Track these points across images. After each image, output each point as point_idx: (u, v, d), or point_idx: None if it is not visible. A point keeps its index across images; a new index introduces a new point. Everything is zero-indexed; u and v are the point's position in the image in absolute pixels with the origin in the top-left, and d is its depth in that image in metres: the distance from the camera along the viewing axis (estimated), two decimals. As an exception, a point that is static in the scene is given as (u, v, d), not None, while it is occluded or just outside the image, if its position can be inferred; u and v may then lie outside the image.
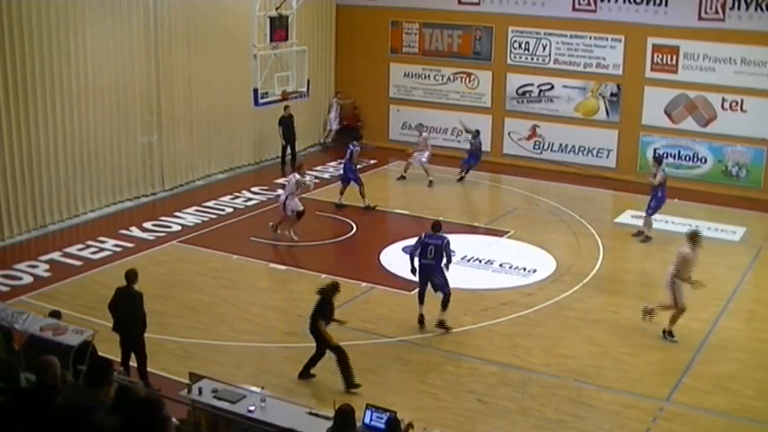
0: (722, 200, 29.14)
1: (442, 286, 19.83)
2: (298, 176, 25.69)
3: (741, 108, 31.21)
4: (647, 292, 22.38)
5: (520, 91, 34.20)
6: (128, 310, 16.68)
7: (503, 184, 32.53)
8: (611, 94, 32.91)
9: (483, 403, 16.74)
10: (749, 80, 30.88)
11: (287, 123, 32.89)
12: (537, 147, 33.65)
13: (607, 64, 32.76)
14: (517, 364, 18.49)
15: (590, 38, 32.78)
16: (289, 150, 33.37)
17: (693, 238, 19.85)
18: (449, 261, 19.93)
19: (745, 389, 17.89)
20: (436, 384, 17.42)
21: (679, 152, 32.10)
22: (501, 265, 23.90)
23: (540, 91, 33.82)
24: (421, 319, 20.06)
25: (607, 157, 33.30)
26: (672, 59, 31.82)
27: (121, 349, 16.78)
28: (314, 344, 17.44)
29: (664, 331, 19.75)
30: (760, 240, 26.44)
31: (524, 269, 23.76)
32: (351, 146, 28.51)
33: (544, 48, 33.51)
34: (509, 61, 34.18)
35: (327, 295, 17.31)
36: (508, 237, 26.12)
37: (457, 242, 23.69)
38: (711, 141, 31.81)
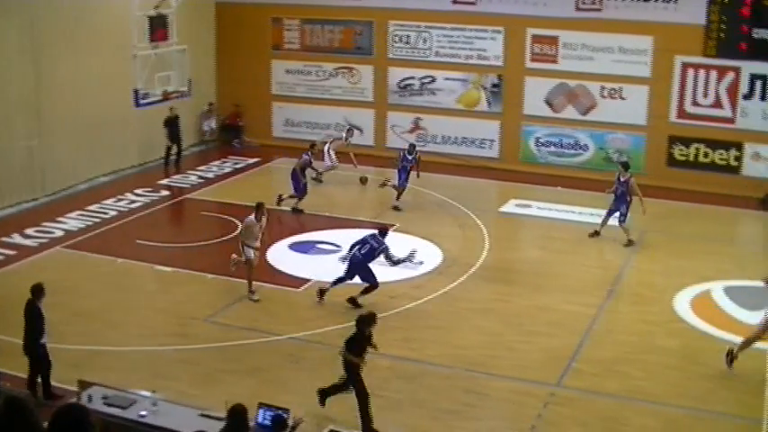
0: (604, 186, 29.51)
1: (368, 278, 20.77)
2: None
3: (620, 96, 31.79)
4: (534, 280, 22.66)
5: (402, 84, 34.31)
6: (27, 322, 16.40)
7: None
8: (493, 86, 33.21)
9: (378, 396, 16.76)
10: (627, 68, 31.52)
11: (172, 124, 32.51)
12: (420, 139, 33.75)
13: (488, 55, 33.04)
14: (410, 357, 18.55)
15: (470, 30, 33.01)
16: (174, 150, 32.98)
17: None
18: (390, 262, 20.99)
19: (633, 370, 18.24)
20: (329, 380, 17.34)
21: (561, 141, 32.54)
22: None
23: (422, 84, 33.96)
24: (321, 293, 20.85)
25: (490, 147, 33.58)
26: (551, 50, 32.28)
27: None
28: (208, 345, 17.25)
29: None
30: (642, 224, 26.91)
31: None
32: (305, 154, 28.25)
33: (425, 41, 33.66)
34: (390, 55, 34.28)
35: (364, 326, 15.92)
36: (394, 230, 26.11)
37: (344, 238, 23.79)
38: (592, 129, 32.35)
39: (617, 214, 25.67)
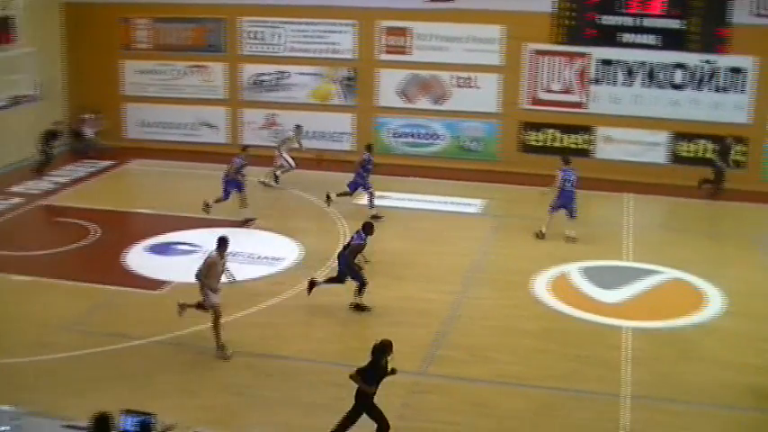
0: (461, 174, 29.85)
1: (350, 275, 20.46)
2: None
3: (473, 85, 32.14)
4: (395, 270, 22.76)
5: (255, 81, 34.12)
6: None
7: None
8: (347, 79, 33.25)
9: (242, 395, 16.65)
10: (479, 57, 31.94)
11: (53, 137, 31.59)
12: (275, 135, 33.61)
13: (340, 49, 33.12)
14: (276, 353, 18.46)
15: (322, 24, 33.01)
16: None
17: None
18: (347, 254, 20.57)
19: (498, 354, 18.49)
20: (195, 382, 17.18)
21: (416, 131, 32.76)
22: (248, 257, 23.71)
23: (276, 79, 33.82)
24: (311, 285, 20.78)
25: (345, 140, 33.64)
26: (404, 41, 32.46)
27: None
28: (71, 353, 16.84)
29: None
30: (498, 210, 27.26)
31: (272, 258, 23.74)
32: (236, 158, 27.09)
33: (278, 36, 33.53)
34: (243, 52, 34.05)
35: (381, 355, 14.95)
36: (253, 227, 26.03)
37: (201, 238, 23.57)
38: (446, 118, 32.67)
39: (562, 210, 25.79)
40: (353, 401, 14.82)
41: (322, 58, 33.35)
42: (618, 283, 22.19)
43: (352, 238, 20.70)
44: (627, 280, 22.65)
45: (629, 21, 30.97)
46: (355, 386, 14.70)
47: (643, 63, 31.46)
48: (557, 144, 32.26)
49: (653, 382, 17.63)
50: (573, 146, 32.11)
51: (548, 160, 29.41)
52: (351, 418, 14.88)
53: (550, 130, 32.42)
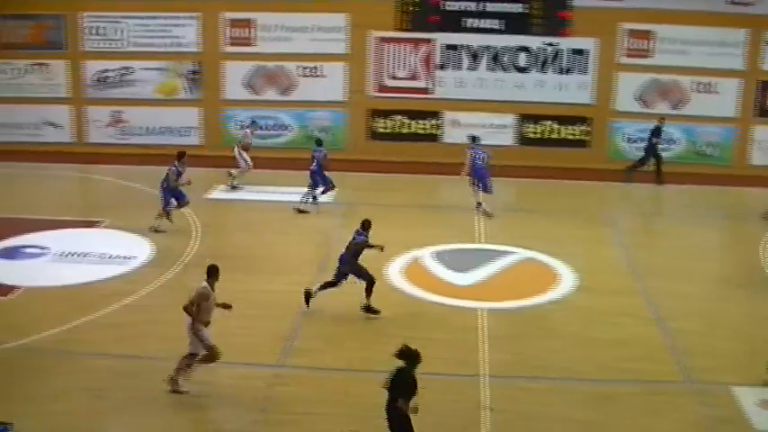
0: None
1: (356, 275, 20.02)
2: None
3: (319, 74, 32.15)
4: (248, 263, 22.63)
5: (98, 77, 33.45)
6: None
7: (92, 174, 31.75)
8: (192, 72, 32.87)
9: (102, 398, 16.32)
10: (325, 46, 32.05)
11: None
12: (122, 132, 33.06)
13: (184, 42, 32.72)
14: (132, 354, 18.15)
15: (165, 18, 32.55)
16: None
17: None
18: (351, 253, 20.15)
19: (354, 343, 18.61)
20: (54, 387, 16.77)
21: (264, 122, 32.59)
22: (99, 257, 23.27)
23: (121, 75, 33.23)
24: (307, 297, 20.16)
25: (193, 135, 33.29)
26: (247, 32, 32.34)
27: None
28: None
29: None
30: (349, 199, 27.33)
31: (123, 257, 23.30)
32: (171, 165, 25.75)
33: (121, 31, 32.93)
34: (85, 48, 33.32)
35: (412, 366, 13.93)
36: (103, 226, 25.56)
37: (51, 240, 23.06)
38: (294, 109, 32.68)
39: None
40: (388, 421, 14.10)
41: (166, 52, 32.88)
42: (471, 265, 22.47)
43: (353, 237, 20.28)
44: (480, 262, 22.95)
45: (472, 6, 31.39)
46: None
47: (487, 47, 31.87)
48: (405, 131, 32.50)
49: (510, 361, 17.93)
50: (421, 131, 32.41)
51: (396, 147, 29.66)
52: None
53: (398, 117, 32.63)
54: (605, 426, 16.02)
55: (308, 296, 20.15)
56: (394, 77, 32.35)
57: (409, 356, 13.84)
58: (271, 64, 32.57)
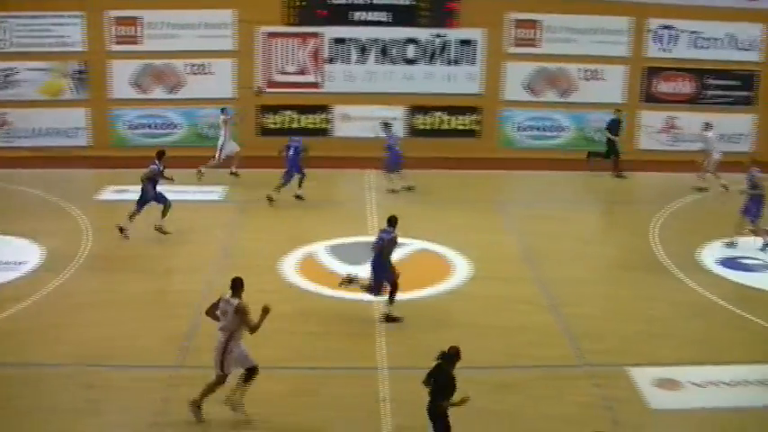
0: (200, 162, 29.35)
1: (386, 278, 19.39)
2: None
3: (207, 71, 31.93)
4: (143, 264, 22.41)
5: (-19, 79, 32.74)
6: None
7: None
8: (78, 72, 32.31)
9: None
10: (212, 43, 31.99)
11: None
12: (7, 134, 32.36)
13: (70, 42, 32.08)
14: (27, 361, 17.78)
15: (49, 17, 31.90)
16: None
17: None
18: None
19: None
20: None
21: (153, 122, 32.28)
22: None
23: (4, 77, 32.49)
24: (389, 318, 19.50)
25: (80, 136, 32.70)
26: (134, 30, 31.91)
27: None
28: None
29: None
30: (240, 196, 27.18)
31: (13, 262, 22.82)
32: (152, 164, 24.94)
33: (3, 32, 32.18)
34: (-36, 50, 32.57)
35: (451, 366, 14.03)
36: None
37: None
38: (182, 107, 32.44)
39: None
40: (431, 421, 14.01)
41: (51, 52, 32.18)
42: (366, 258, 22.44)
43: (381, 238, 19.62)
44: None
45: (359, -1, 31.46)
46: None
47: (376, 40, 31.92)
48: (295, 125, 32.37)
49: (409, 353, 17.94)
50: (311, 126, 32.34)
51: (286, 142, 29.54)
52: None
53: (288, 112, 32.52)
54: (506, 413, 16.16)
55: (391, 319, 19.55)
56: (283, 72, 32.21)
57: (451, 359, 13.95)
58: (158, 62, 32.17)
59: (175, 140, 32.40)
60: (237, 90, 32.11)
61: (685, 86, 32.78)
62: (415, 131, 32.58)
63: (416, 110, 32.58)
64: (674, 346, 18.89)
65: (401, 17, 31.69)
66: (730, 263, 23.54)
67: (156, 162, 24.78)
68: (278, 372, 17.12)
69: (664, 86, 32.75)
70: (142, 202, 24.57)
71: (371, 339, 18.57)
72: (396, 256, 20.88)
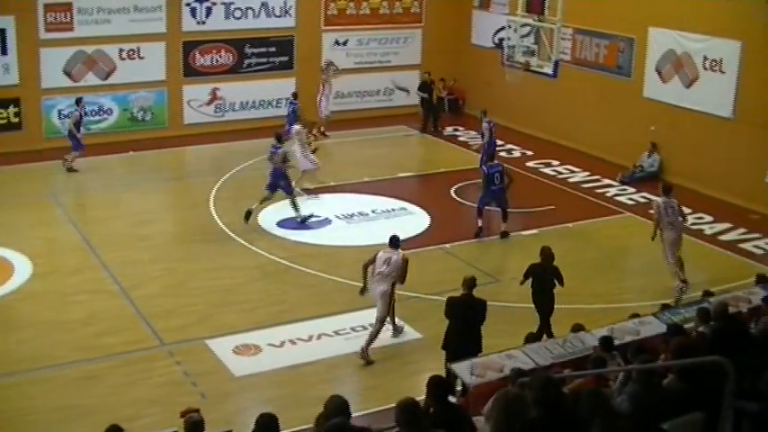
0: (140, 145, 29.74)
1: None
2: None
3: (138, 56, 32.13)
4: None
5: None
6: None
7: None
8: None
9: None
10: (144, 27, 31.97)
11: None
12: None
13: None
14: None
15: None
16: None
17: None
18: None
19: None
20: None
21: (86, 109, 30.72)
22: None
23: None
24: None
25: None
26: (65, 17, 30.85)
27: None
28: None
29: None
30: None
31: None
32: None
33: None
34: None
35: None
36: None
37: None
38: (115, 92, 32.05)
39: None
40: None
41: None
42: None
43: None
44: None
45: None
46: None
47: None
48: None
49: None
50: None
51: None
52: None
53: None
54: (90, 407, 15.81)
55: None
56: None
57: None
58: (90, 48, 30.94)
59: (108, 126, 32.19)
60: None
61: (225, 57, 33.61)
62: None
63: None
64: (249, 312, 19.45)
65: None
66: (287, 223, 24.40)
67: (77, 107, 28.87)
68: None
69: (203, 59, 33.30)
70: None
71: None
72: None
